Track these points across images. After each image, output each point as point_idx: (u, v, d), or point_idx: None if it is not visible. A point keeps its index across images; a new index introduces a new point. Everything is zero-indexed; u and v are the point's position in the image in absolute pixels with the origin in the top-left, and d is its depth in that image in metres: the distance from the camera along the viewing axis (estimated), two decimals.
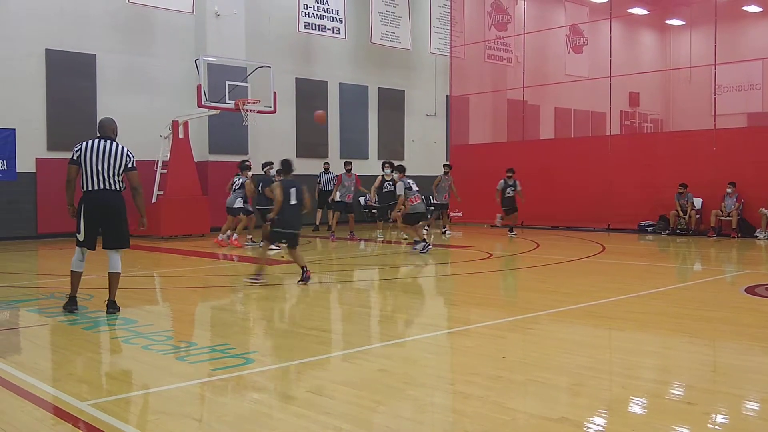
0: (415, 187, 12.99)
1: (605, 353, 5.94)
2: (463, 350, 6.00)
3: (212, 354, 5.77)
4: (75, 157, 7.21)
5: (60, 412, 4.24)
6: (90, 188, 7.16)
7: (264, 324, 7.47)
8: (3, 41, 16.16)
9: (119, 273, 7.39)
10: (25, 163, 16.25)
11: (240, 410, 4.31)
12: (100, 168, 7.14)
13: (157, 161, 17.56)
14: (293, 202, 9.23)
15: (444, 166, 17.83)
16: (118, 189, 7.25)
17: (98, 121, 7.56)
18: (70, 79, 16.99)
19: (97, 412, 4.23)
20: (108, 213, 7.23)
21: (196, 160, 18.03)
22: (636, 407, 4.40)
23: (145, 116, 17.98)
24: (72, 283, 7.37)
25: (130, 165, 7.30)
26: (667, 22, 31.29)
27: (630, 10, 27.84)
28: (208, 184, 18.54)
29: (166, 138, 17.49)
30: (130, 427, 3.97)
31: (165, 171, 17.45)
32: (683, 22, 30.42)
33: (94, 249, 7.34)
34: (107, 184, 7.17)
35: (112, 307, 7.32)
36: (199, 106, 16.54)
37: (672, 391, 4.78)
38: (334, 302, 8.94)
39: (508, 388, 4.74)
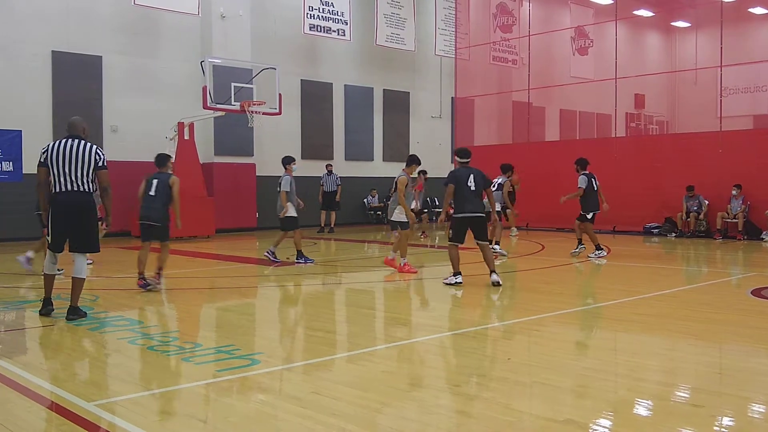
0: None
1: (611, 355, 5.93)
2: (468, 352, 5.99)
3: (217, 355, 5.78)
4: (42, 159, 6.95)
5: (66, 413, 4.24)
6: (58, 189, 6.90)
7: (269, 325, 7.47)
8: (9, 43, 16.23)
9: (83, 278, 7.14)
10: (31, 165, 16.14)
11: (245, 411, 4.32)
12: (67, 169, 6.84)
13: None
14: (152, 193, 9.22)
15: (509, 166, 14.09)
16: (87, 190, 6.95)
17: (69, 120, 7.19)
18: (76, 80, 17.05)
19: (102, 412, 4.24)
20: (75, 215, 6.94)
21: (201, 162, 18.08)
22: (642, 409, 4.39)
23: (151, 117, 18.04)
24: (45, 285, 7.23)
25: (100, 164, 6.96)
26: (673, 23, 31.26)
27: (635, 12, 27.81)
28: (214, 186, 18.58)
29: (171, 139, 17.51)
30: (136, 427, 3.97)
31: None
32: (689, 24, 30.37)
33: (62, 251, 7.13)
34: (75, 185, 6.88)
35: (73, 314, 7.03)
36: (204, 108, 16.57)
37: (678, 393, 4.77)
38: (340, 303, 8.95)
39: (514, 389, 4.73)
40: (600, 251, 12.57)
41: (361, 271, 11.76)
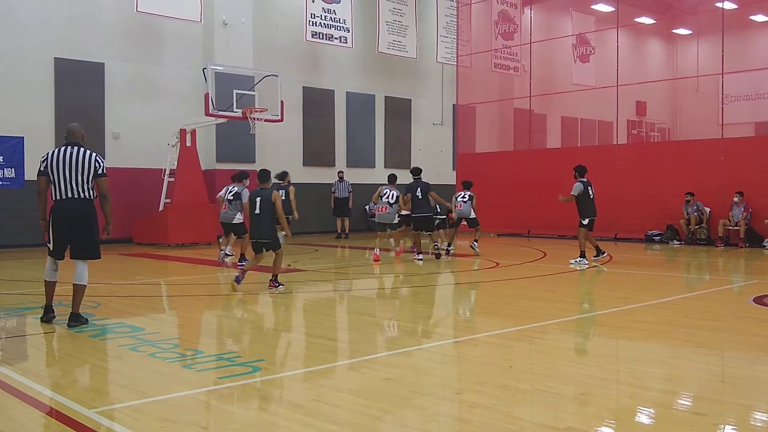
0: (384, 198, 13.64)
1: (612, 363, 5.92)
2: (470, 359, 5.98)
3: (219, 362, 5.77)
4: (42, 168, 6.96)
5: (66, 420, 4.24)
6: (59, 197, 6.90)
7: (271, 332, 7.47)
8: (12, 49, 16.29)
9: (84, 285, 7.10)
10: (33, 171, 16.12)
11: (246, 418, 4.31)
12: (68, 176, 6.85)
13: (165, 169, 17.62)
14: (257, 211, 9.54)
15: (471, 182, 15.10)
16: (87, 197, 6.95)
17: (67, 127, 7.22)
18: (78, 87, 17.09)
19: (103, 419, 4.23)
20: (75, 222, 6.95)
21: (203, 169, 18.10)
22: (644, 417, 4.38)
23: (153, 124, 18.08)
24: (46, 292, 7.24)
25: (100, 171, 6.98)
26: (674, 31, 31.29)
27: (637, 20, 27.86)
28: (215, 193, 18.57)
29: (173, 146, 17.55)
30: None
31: (172, 179, 17.52)
32: (690, 32, 30.41)
33: (63, 258, 7.13)
34: (76, 192, 6.88)
35: (75, 321, 7.01)
36: (206, 115, 16.59)
37: (680, 401, 4.76)
38: (341, 310, 8.94)
39: (515, 397, 4.72)
40: (583, 259, 12.71)
41: (363, 278, 11.75)
